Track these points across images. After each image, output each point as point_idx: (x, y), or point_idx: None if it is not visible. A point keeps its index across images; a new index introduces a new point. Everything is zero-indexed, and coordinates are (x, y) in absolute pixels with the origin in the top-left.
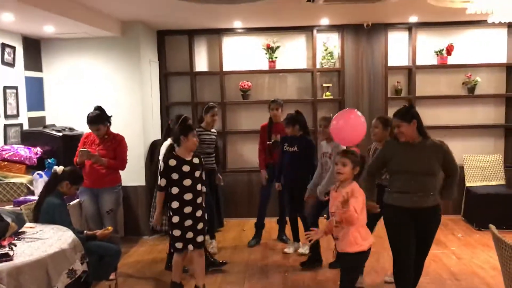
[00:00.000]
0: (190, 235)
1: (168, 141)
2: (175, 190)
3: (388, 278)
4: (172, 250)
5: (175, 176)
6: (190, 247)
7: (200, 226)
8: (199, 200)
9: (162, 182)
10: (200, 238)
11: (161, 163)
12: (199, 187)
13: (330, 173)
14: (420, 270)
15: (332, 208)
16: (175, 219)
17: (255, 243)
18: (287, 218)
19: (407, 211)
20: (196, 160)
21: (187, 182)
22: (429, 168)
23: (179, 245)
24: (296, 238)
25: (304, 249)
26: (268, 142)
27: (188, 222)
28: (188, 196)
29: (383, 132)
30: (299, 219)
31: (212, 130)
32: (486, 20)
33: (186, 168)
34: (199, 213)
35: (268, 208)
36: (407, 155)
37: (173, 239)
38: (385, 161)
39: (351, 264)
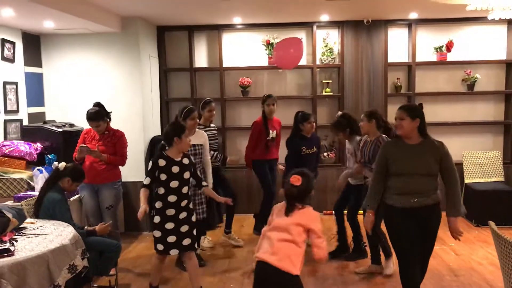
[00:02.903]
0: (172, 239)
1: None
2: (161, 191)
3: (358, 269)
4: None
5: (163, 176)
6: (174, 251)
7: (184, 228)
8: (183, 203)
9: (146, 180)
10: (186, 241)
11: (150, 162)
12: (185, 189)
13: (353, 168)
14: (424, 270)
15: None
16: (157, 219)
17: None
18: None
19: (408, 211)
20: (185, 161)
21: (174, 184)
22: (429, 169)
23: (160, 246)
24: None
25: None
26: (268, 138)
27: (170, 225)
28: (172, 198)
29: (369, 125)
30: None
31: (212, 125)
32: (486, 17)
33: (175, 169)
34: (182, 215)
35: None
36: (405, 157)
37: (154, 240)
38: (386, 160)
39: None
